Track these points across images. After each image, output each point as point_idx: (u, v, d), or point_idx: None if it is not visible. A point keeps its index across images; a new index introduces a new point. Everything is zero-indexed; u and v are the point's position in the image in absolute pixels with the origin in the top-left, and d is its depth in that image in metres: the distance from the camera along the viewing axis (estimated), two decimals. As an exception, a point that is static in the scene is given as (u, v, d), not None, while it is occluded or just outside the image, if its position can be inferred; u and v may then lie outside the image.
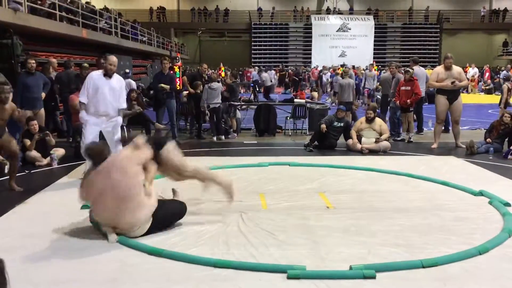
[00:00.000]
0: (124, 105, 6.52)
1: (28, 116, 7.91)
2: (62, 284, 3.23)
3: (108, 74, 6.15)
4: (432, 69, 11.19)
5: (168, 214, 4.34)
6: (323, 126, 8.91)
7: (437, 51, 36.30)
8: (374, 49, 36.47)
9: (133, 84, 13.27)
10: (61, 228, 4.36)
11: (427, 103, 12.50)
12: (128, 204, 3.94)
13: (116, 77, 6.30)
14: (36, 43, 12.02)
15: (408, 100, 9.69)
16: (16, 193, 5.78)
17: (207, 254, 3.76)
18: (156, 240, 4.07)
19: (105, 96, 6.12)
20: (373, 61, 27.67)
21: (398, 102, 9.90)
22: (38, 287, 2.73)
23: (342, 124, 9.11)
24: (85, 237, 4.18)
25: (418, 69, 10.78)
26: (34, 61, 8.67)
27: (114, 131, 6.32)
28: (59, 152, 7.66)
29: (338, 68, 16.87)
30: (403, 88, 9.83)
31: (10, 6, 9.41)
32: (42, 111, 8.65)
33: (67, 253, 3.82)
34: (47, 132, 7.74)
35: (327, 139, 8.98)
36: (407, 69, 10.18)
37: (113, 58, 6.18)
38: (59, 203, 5.11)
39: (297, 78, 25.29)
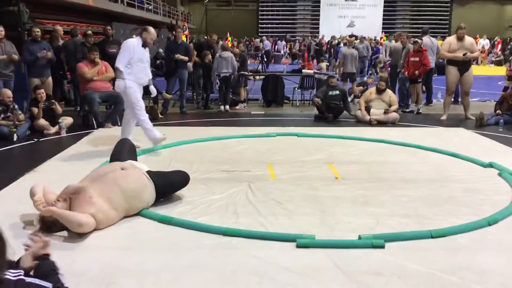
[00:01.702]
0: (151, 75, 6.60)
1: (36, 84, 7.91)
2: (72, 252, 3.27)
3: (145, 46, 6.17)
4: (443, 40, 11.03)
5: (170, 184, 4.31)
6: (316, 99, 8.96)
7: (448, 22, 35.68)
8: (384, 19, 35.89)
9: None
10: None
11: (436, 75, 12.38)
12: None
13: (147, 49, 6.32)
14: (42, 11, 11.90)
15: (416, 71, 9.58)
16: (25, 161, 5.82)
17: (216, 223, 3.78)
18: (166, 209, 4.09)
19: (145, 66, 6.21)
20: (382, 31, 27.26)
21: (406, 73, 9.80)
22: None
23: (338, 92, 9.02)
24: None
25: (428, 40, 10.62)
26: (38, 29, 8.60)
27: None
28: (67, 120, 7.67)
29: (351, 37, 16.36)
30: (411, 59, 9.73)
31: (15, -28, 9.31)
32: (50, 79, 8.62)
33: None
34: (53, 101, 7.73)
35: (330, 109, 8.89)
36: (416, 39, 10.04)
37: (155, 34, 6.29)
38: (68, 171, 5.14)
39: (318, 48, 24.82)
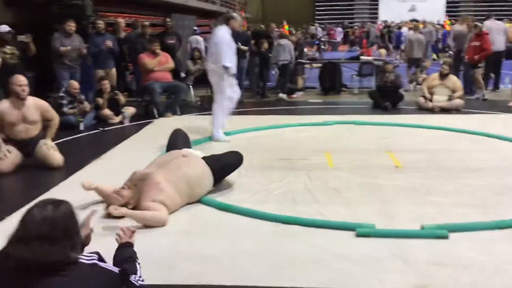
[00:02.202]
0: None
1: (100, 76, 8.22)
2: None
3: (233, 35, 6.22)
4: (511, 23, 10.49)
5: (225, 167, 4.31)
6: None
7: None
8: (447, 2, 34.42)
9: (200, 41, 13.47)
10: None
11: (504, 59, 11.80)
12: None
13: None
14: (104, 4, 12.27)
15: (476, 56, 9.16)
16: (91, 149, 6.07)
17: (274, 211, 3.79)
18: (224, 197, 4.15)
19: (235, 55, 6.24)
20: (446, 15, 26.17)
21: (467, 57, 9.43)
22: (109, 237, 2.83)
23: (392, 78, 8.78)
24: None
25: (492, 23, 10.11)
26: (102, 22, 8.89)
27: None
28: (130, 110, 7.91)
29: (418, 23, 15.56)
30: (472, 43, 9.34)
31: (80, -33, 9.62)
32: (114, 70, 8.90)
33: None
34: (117, 92, 8.00)
35: (386, 97, 8.64)
36: (476, 23, 9.62)
37: (241, 20, 6.33)
38: (131, 158, 5.30)
39: (380, 33, 23.95)
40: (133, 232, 2.55)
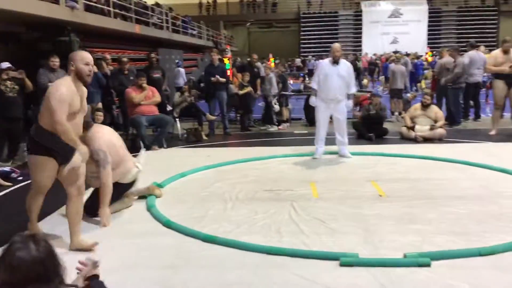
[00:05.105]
0: (353, 90, 7.12)
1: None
2: (120, 270, 3.37)
3: (335, 61, 6.72)
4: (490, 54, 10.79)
5: None
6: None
7: (495, 35, 34.68)
8: (428, 35, 35.31)
9: (182, 72, 13.77)
10: (117, 215, 4.59)
11: (484, 89, 12.11)
12: None
13: (344, 63, 6.82)
14: (91, 40, 12.41)
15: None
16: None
17: (259, 242, 3.80)
18: (209, 228, 4.16)
19: (333, 82, 6.69)
20: (427, 47, 26.78)
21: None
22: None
23: (375, 111, 8.97)
24: (140, 223, 4.38)
25: (475, 54, 10.41)
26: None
27: (342, 116, 6.99)
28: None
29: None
30: None
31: (67, 4, 9.77)
32: (100, 105, 8.93)
33: (123, 239, 4.00)
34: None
35: (372, 130, 8.79)
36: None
37: (336, 46, 6.86)
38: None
39: (373, 67, 24.06)
40: (95, 263, 2.51)
